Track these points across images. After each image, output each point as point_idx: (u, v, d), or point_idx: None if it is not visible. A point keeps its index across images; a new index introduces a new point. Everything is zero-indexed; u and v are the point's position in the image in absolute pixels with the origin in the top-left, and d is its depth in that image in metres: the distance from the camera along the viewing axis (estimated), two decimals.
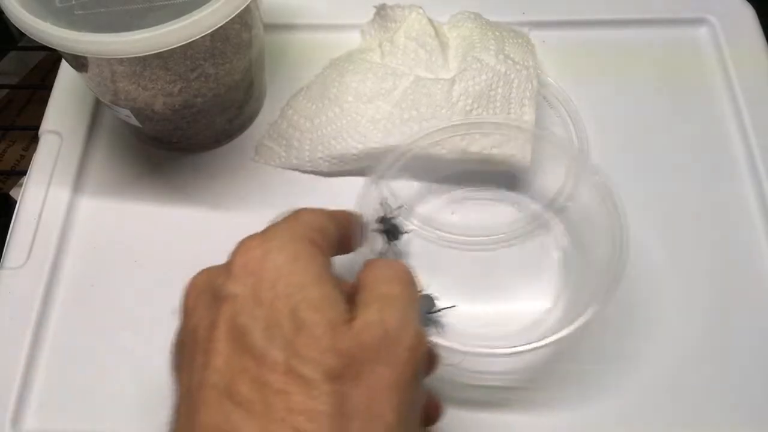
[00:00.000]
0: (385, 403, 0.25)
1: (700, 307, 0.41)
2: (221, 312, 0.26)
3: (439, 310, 0.39)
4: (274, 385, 0.24)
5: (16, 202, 0.46)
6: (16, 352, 0.40)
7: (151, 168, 0.47)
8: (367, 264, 0.29)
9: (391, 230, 0.40)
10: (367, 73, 0.45)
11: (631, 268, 0.37)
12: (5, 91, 0.70)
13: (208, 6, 0.37)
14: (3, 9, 0.38)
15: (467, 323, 0.39)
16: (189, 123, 0.45)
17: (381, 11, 0.49)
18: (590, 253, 0.40)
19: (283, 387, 0.24)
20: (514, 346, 0.35)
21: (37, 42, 0.37)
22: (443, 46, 0.46)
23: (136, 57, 0.37)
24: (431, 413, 0.31)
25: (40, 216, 0.44)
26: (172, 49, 0.37)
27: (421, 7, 0.47)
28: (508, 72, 0.44)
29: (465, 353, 0.35)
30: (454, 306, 0.39)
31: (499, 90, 0.44)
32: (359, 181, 0.41)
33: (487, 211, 0.44)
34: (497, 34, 0.46)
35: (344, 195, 0.39)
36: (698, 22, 0.51)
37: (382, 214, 0.40)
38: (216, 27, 0.37)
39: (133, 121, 0.44)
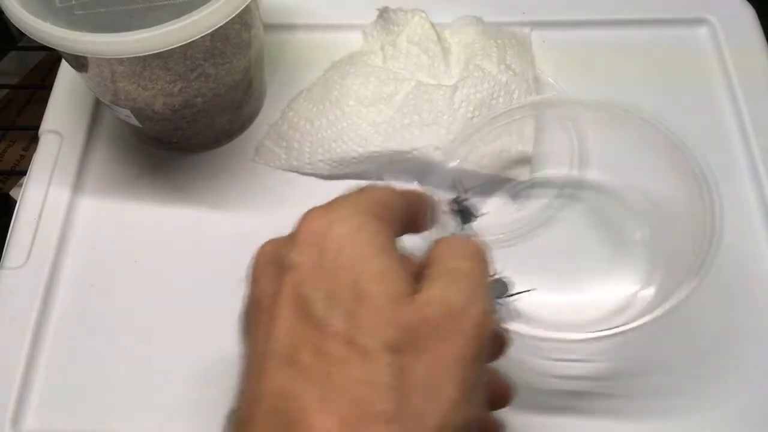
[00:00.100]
0: (447, 379, 0.24)
1: None
2: (284, 282, 0.26)
3: (515, 294, 0.37)
4: (335, 354, 0.24)
5: (16, 202, 0.46)
6: (16, 352, 0.40)
7: (151, 168, 0.47)
8: (438, 240, 0.29)
9: (463, 212, 0.38)
10: (369, 76, 0.45)
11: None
12: (5, 91, 0.70)
13: (208, 6, 0.37)
14: (3, 9, 0.38)
15: (546, 310, 0.38)
16: (189, 123, 0.45)
17: (383, 14, 0.49)
18: (674, 232, 0.39)
19: (344, 357, 0.24)
20: (604, 330, 0.34)
21: (37, 42, 0.37)
22: (445, 51, 0.47)
23: (136, 57, 0.37)
24: (501, 396, 0.31)
25: (40, 216, 0.44)
26: (172, 49, 0.37)
27: (423, 11, 0.48)
28: (509, 82, 0.44)
29: (549, 339, 0.34)
30: (532, 290, 0.37)
31: (500, 99, 0.44)
32: (359, 184, 0.41)
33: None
34: (499, 42, 0.46)
35: None
36: (698, 22, 0.51)
37: (454, 195, 0.38)
38: (216, 27, 0.37)
39: (133, 121, 0.44)
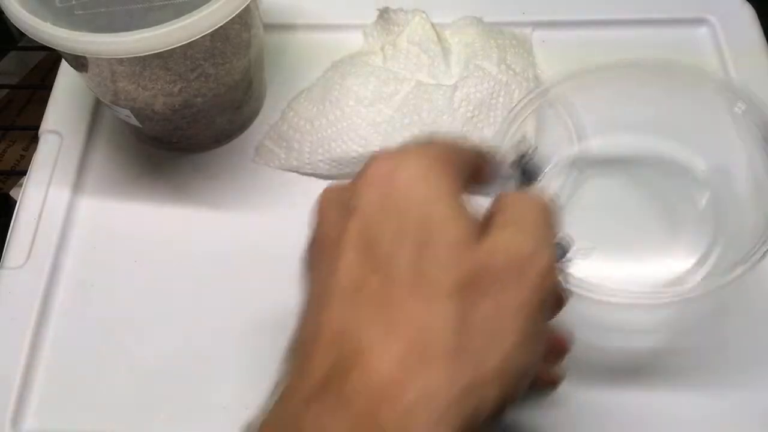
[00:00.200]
0: (509, 324, 0.24)
1: None
2: (351, 220, 0.26)
3: (573, 255, 0.36)
4: (400, 291, 0.24)
5: (16, 202, 0.46)
6: (16, 352, 0.40)
7: (151, 168, 0.47)
8: (505, 194, 0.29)
9: (528, 171, 0.37)
10: (369, 76, 0.45)
11: None
12: (5, 91, 0.70)
13: (208, 6, 0.37)
14: (3, 9, 0.38)
15: (602, 276, 0.37)
16: (189, 123, 0.45)
17: (384, 14, 0.49)
18: (737, 203, 0.38)
19: (407, 295, 0.24)
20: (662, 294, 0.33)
21: (37, 42, 0.37)
22: (445, 52, 0.47)
23: (136, 57, 0.37)
24: (558, 349, 0.31)
25: (40, 216, 0.44)
26: (172, 49, 0.37)
27: (423, 11, 0.48)
28: (509, 82, 0.44)
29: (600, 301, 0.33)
30: (591, 248, 0.35)
31: (501, 99, 0.44)
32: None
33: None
34: (499, 42, 0.46)
35: None
36: (698, 22, 0.51)
37: (519, 153, 0.37)
38: (216, 27, 0.37)
39: (133, 121, 0.44)
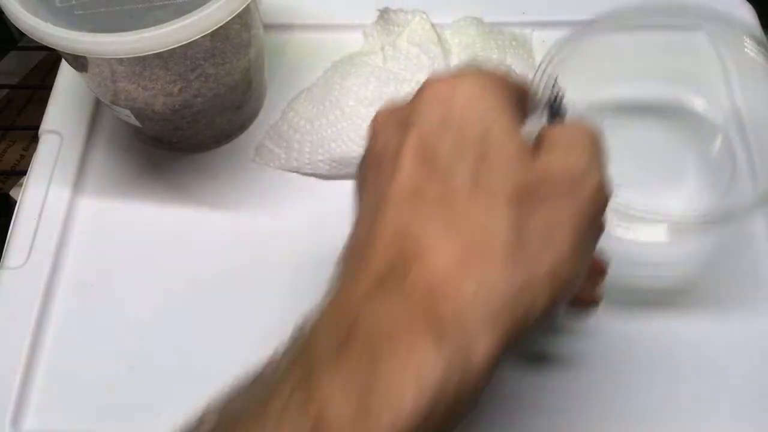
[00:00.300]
0: (563, 232, 0.25)
1: None
2: (409, 135, 0.26)
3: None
4: (459, 197, 0.25)
5: (16, 202, 0.46)
6: (16, 352, 0.40)
7: (151, 168, 0.47)
8: (552, 124, 0.29)
9: (559, 111, 0.38)
10: (369, 77, 0.45)
11: None
12: (5, 91, 0.70)
13: (208, 6, 0.37)
14: (3, 9, 0.38)
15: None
16: (189, 123, 0.45)
17: (384, 15, 0.49)
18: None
19: (466, 199, 0.25)
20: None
21: (37, 42, 0.37)
22: (446, 52, 0.47)
23: (136, 57, 0.37)
24: (598, 270, 0.33)
25: (40, 216, 0.44)
26: (172, 49, 0.37)
27: (424, 12, 0.48)
28: None
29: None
30: (619, 185, 0.36)
31: None
32: None
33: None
34: (499, 42, 0.47)
35: (343, 198, 0.39)
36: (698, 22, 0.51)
37: (551, 95, 0.38)
38: (216, 27, 0.37)
39: (133, 121, 0.44)
